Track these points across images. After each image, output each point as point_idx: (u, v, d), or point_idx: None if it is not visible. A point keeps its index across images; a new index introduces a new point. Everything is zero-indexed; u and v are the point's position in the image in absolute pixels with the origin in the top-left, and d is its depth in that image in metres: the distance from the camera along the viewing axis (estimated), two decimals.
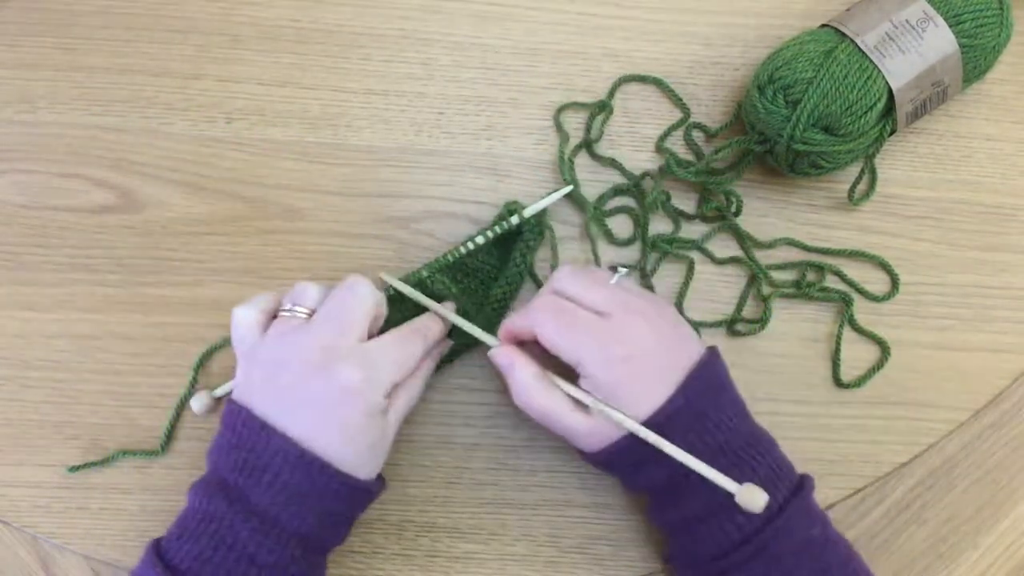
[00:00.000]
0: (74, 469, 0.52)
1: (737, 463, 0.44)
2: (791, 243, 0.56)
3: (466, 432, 0.54)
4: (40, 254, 0.55)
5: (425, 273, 0.52)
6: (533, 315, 0.46)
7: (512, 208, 0.54)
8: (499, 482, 0.53)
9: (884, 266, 0.56)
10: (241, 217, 0.56)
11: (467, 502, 0.53)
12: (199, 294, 0.54)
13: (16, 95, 0.56)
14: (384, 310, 0.48)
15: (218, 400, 0.52)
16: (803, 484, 0.45)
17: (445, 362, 0.53)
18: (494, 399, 0.54)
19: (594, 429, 0.45)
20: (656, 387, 0.44)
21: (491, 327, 0.50)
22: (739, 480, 0.41)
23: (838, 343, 0.55)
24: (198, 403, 0.51)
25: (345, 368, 0.44)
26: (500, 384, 0.54)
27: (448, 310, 0.51)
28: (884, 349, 0.55)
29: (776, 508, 0.43)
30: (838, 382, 0.55)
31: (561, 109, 0.57)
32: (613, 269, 0.49)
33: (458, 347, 0.53)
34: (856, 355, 0.55)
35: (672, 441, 0.43)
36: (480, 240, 0.53)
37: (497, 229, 0.53)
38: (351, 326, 0.45)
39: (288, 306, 0.47)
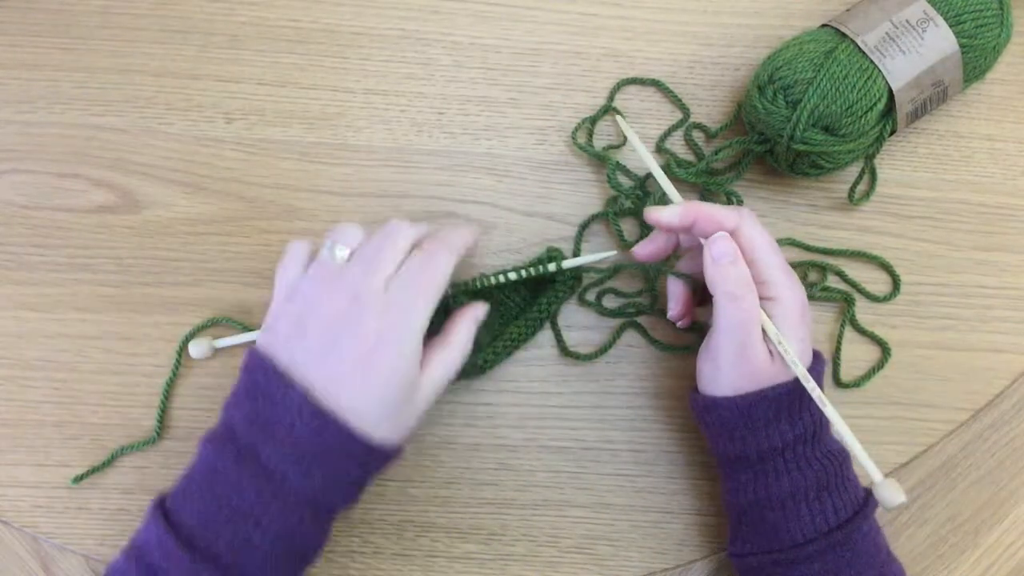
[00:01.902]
0: (77, 480, 0.52)
1: (816, 459, 0.45)
2: (793, 243, 0.56)
3: (467, 432, 0.54)
4: (40, 254, 0.55)
5: (450, 291, 0.50)
6: (753, 220, 0.45)
7: (553, 256, 0.53)
8: (499, 482, 0.53)
9: (885, 266, 0.56)
10: (241, 217, 0.56)
11: (467, 502, 0.53)
12: (199, 294, 0.54)
13: (16, 95, 0.56)
14: None
15: (216, 351, 0.52)
16: (867, 503, 0.45)
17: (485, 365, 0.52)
18: (495, 399, 0.54)
19: (760, 364, 0.44)
20: (803, 356, 0.45)
21: (494, 364, 0.52)
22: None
23: (839, 343, 0.55)
24: (196, 348, 0.51)
25: (370, 316, 0.41)
26: (500, 384, 0.54)
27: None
28: (884, 349, 0.55)
29: (854, 510, 0.44)
30: (838, 382, 0.55)
31: (576, 130, 0.57)
32: None
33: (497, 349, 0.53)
34: (856, 355, 0.55)
35: (780, 416, 0.44)
36: (512, 276, 0.52)
37: (533, 271, 0.52)
38: (381, 270, 0.43)
39: (328, 244, 0.44)
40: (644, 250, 0.50)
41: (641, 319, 0.55)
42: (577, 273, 0.54)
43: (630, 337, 0.55)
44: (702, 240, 0.46)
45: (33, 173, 0.56)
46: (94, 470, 0.52)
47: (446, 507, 0.53)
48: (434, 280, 0.43)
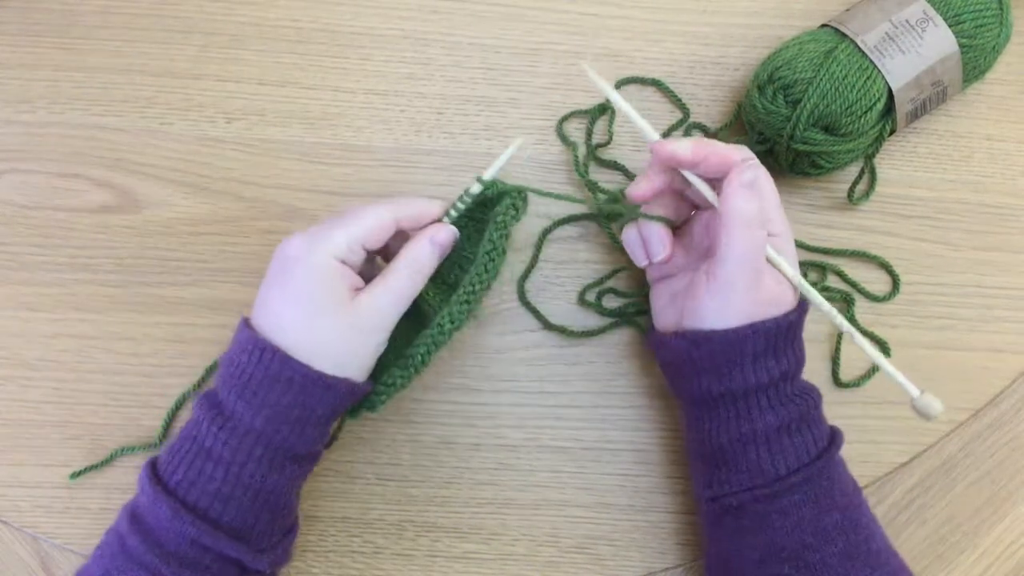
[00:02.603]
0: (76, 476, 0.52)
1: (795, 394, 0.46)
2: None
3: (467, 432, 0.54)
4: (40, 254, 0.55)
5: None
6: (756, 160, 0.46)
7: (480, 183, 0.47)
8: (499, 482, 0.53)
9: (885, 266, 0.56)
10: (241, 217, 0.56)
11: (467, 502, 0.53)
12: (199, 294, 0.54)
13: (16, 95, 0.56)
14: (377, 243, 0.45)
15: None
16: (835, 436, 0.47)
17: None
18: (494, 399, 0.54)
19: (768, 292, 0.45)
20: (763, 296, 0.45)
21: (459, 319, 0.46)
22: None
23: (838, 343, 0.55)
24: None
25: (294, 239, 0.44)
26: (500, 384, 0.54)
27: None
28: (884, 349, 0.55)
29: (809, 458, 0.45)
30: (838, 382, 0.55)
31: (563, 119, 0.57)
32: None
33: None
34: (856, 355, 0.55)
35: (741, 363, 0.45)
36: (445, 219, 0.47)
37: (460, 205, 0.47)
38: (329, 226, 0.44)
39: None
40: (641, 189, 0.48)
41: (641, 319, 0.55)
42: (510, 192, 0.47)
43: (630, 337, 0.55)
44: (703, 178, 0.47)
45: (33, 173, 0.56)
46: (93, 467, 0.52)
47: (446, 507, 0.53)
48: (358, 218, 0.44)
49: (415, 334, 0.46)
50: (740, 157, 0.46)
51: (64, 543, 0.51)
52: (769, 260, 0.45)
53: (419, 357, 0.46)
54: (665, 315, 0.50)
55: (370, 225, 0.44)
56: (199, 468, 0.42)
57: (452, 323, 0.46)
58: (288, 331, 0.43)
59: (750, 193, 0.44)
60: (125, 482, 0.52)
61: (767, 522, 0.44)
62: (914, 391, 0.44)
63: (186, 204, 0.56)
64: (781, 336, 0.45)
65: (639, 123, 0.47)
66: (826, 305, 0.46)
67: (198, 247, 0.55)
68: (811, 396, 0.47)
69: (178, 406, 0.53)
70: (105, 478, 0.52)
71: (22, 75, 0.57)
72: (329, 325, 0.42)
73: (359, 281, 0.44)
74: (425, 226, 0.46)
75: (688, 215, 0.50)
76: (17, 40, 0.57)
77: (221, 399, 0.43)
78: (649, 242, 0.49)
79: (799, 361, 0.47)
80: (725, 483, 0.46)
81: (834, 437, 0.47)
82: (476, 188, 0.47)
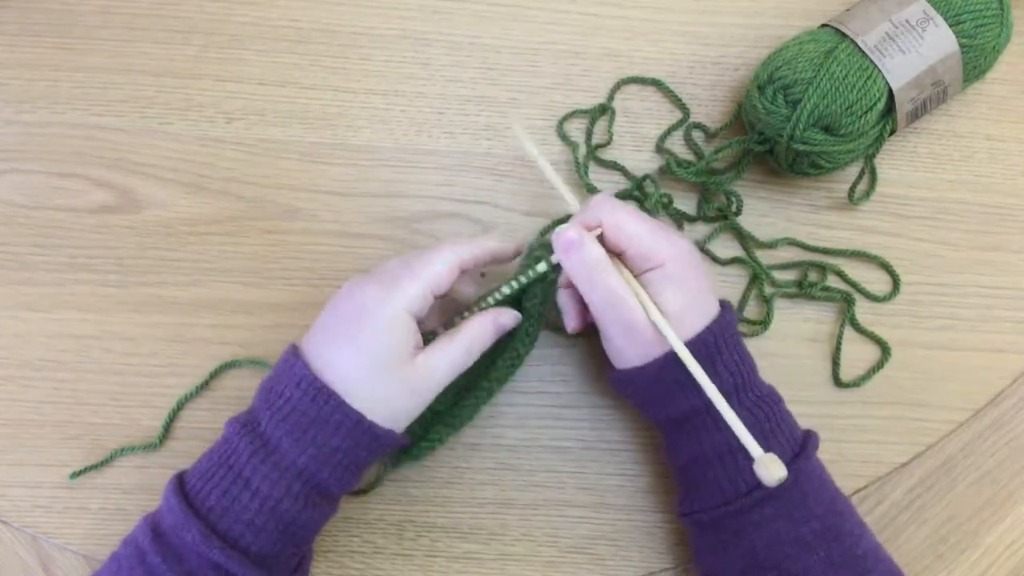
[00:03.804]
0: (75, 475, 0.51)
1: (745, 408, 0.44)
2: (792, 243, 0.56)
3: (466, 432, 0.54)
4: (40, 254, 0.55)
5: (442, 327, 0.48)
6: (611, 205, 0.45)
7: (539, 255, 0.47)
8: (499, 482, 0.53)
9: (885, 266, 0.56)
10: (241, 217, 0.56)
11: (467, 502, 0.53)
12: (199, 294, 0.54)
13: (16, 95, 0.56)
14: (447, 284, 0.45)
15: None
16: (807, 442, 0.45)
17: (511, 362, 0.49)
18: (495, 399, 0.54)
19: (650, 333, 0.44)
20: (702, 311, 0.45)
21: (505, 379, 0.49)
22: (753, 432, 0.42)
23: (839, 343, 0.55)
24: None
25: (368, 287, 0.44)
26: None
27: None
28: (884, 349, 0.55)
29: (793, 451, 0.44)
30: (838, 382, 0.55)
31: (563, 120, 0.57)
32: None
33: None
34: (856, 355, 0.55)
35: (664, 392, 0.44)
36: (506, 290, 0.48)
37: (523, 279, 0.47)
38: (386, 270, 0.45)
39: None
40: (574, 324, 0.50)
41: None
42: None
43: None
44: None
45: (33, 173, 0.56)
46: (92, 467, 0.52)
47: (446, 507, 0.53)
48: (427, 265, 0.44)
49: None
50: (589, 216, 0.45)
51: (64, 543, 0.51)
52: (641, 302, 0.44)
53: (466, 417, 0.49)
54: (607, 353, 0.49)
55: (440, 272, 0.44)
56: (234, 496, 0.42)
57: (499, 384, 0.49)
58: (349, 379, 0.43)
59: (569, 259, 0.45)
60: (125, 482, 0.52)
61: (742, 535, 0.44)
62: (757, 451, 0.41)
63: (186, 204, 0.56)
64: (709, 355, 0.44)
65: (564, 192, 0.49)
66: (684, 350, 0.43)
67: (198, 247, 0.55)
68: (766, 403, 0.45)
69: (179, 407, 0.53)
70: (105, 478, 0.52)
71: (22, 75, 0.57)
72: (390, 381, 0.43)
73: (419, 337, 0.45)
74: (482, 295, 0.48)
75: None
76: (17, 40, 0.57)
77: (264, 430, 0.43)
78: (563, 315, 0.50)
79: (743, 370, 0.45)
80: (695, 501, 0.46)
81: (805, 444, 0.45)
82: (542, 267, 0.47)
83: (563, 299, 0.50)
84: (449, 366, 0.45)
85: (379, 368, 0.43)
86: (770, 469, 0.40)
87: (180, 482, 0.43)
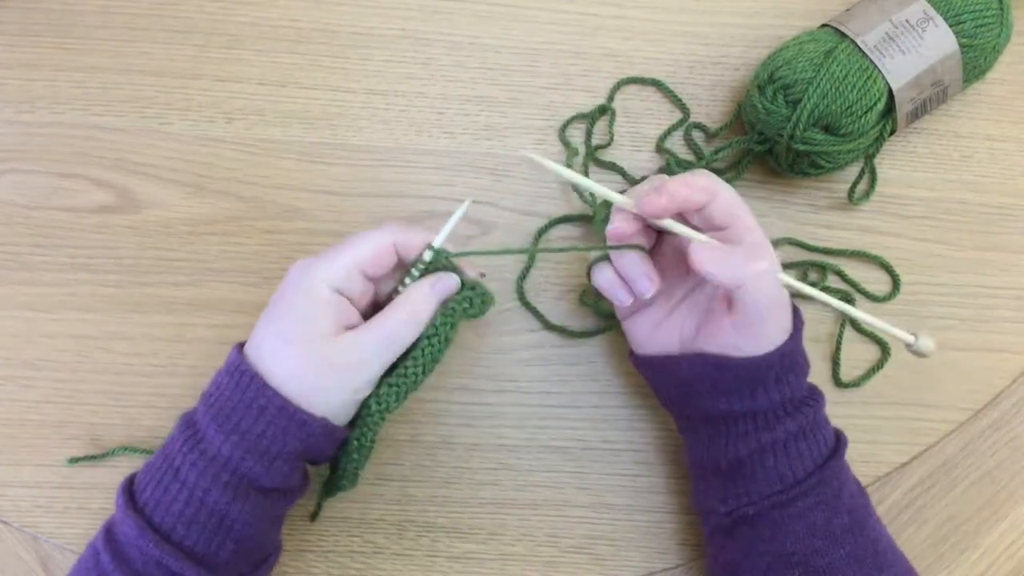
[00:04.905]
0: (73, 461, 0.51)
1: (797, 411, 0.45)
2: (792, 243, 0.56)
3: (466, 432, 0.54)
4: (40, 254, 0.55)
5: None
6: (714, 181, 0.44)
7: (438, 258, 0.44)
8: (499, 482, 0.53)
9: (885, 266, 0.56)
10: (241, 217, 0.56)
11: (467, 502, 0.53)
12: (199, 294, 0.54)
13: (16, 95, 0.56)
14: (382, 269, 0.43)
15: None
16: (839, 438, 0.46)
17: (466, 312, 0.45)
18: (494, 399, 0.54)
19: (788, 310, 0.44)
20: (785, 319, 0.44)
21: (386, 401, 0.43)
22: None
23: (838, 343, 0.55)
24: None
25: (298, 262, 0.43)
26: (499, 384, 0.54)
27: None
28: (884, 349, 0.55)
29: (822, 460, 0.45)
30: (838, 382, 0.55)
31: (565, 125, 0.57)
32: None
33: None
34: (856, 355, 0.55)
35: (766, 384, 0.44)
36: (400, 288, 0.45)
37: (414, 272, 0.44)
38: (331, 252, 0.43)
39: None
40: (625, 228, 0.45)
41: None
42: (478, 286, 0.45)
43: None
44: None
45: (33, 173, 0.56)
46: (92, 457, 0.52)
47: (446, 507, 0.53)
48: (355, 244, 0.43)
49: None
50: (707, 190, 0.43)
51: (64, 543, 0.51)
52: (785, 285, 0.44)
53: (357, 441, 0.44)
54: (654, 342, 0.48)
55: (368, 251, 0.42)
56: (166, 487, 0.41)
57: (379, 405, 0.43)
58: (266, 357, 0.41)
59: (715, 254, 0.43)
60: None
61: (781, 528, 0.44)
62: (908, 337, 0.45)
63: (186, 204, 0.56)
64: (798, 351, 0.45)
65: (612, 195, 0.45)
66: (823, 296, 0.46)
67: (198, 247, 0.55)
68: (818, 398, 0.46)
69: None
70: (105, 478, 0.52)
71: (22, 75, 0.57)
72: (308, 356, 0.41)
73: (354, 317, 0.43)
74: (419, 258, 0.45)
75: (654, 240, 0.47)
76: (17, 40, 0.57)
77: (197, 419, 0.42)
78: (634, 280, 0.46)
79: (808, 364, 0.47)
80: (743, 495, 0.45)
81: (839, 438, 0.47)
82: (427, 255, 0.44)
83: (608, 277, 0.47)
84: (380, 337, 0.42)
85: (287, 340, 0.41)
86: (927, 343, 0.45)
87: (131, 480, 0.43)
